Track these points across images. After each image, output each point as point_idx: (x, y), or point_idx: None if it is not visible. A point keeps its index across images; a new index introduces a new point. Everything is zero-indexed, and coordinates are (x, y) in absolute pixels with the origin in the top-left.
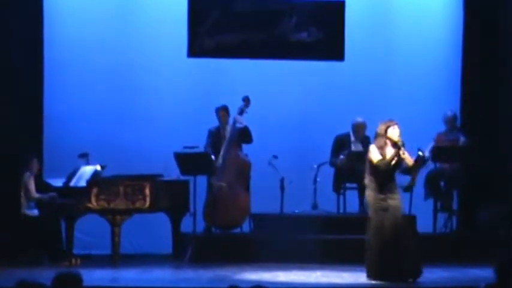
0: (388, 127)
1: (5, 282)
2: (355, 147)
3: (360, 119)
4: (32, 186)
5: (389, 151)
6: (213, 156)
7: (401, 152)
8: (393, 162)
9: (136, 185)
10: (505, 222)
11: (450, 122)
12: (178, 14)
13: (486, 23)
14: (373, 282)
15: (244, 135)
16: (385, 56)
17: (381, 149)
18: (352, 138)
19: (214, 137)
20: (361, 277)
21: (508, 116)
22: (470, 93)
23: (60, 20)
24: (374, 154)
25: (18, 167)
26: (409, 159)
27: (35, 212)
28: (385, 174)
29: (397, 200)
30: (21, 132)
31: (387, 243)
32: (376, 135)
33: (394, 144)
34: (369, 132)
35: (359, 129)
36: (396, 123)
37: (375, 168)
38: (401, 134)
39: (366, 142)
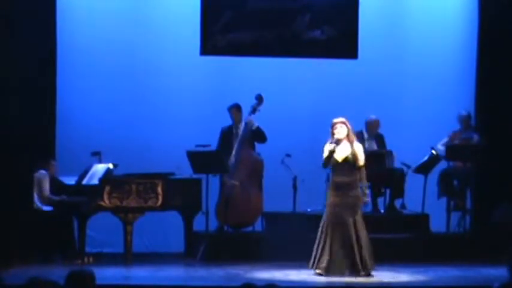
0: (333, 125)
1: (18, 279)
2: (369, 144)
3: (373, 116)
4: (46, 185)
5: (344, 145)
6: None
7: (331, 149)
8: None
9: (148, 184)
10: None
11: (464, 121)
12: (191, 12)
13: (501, 22)
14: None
15: (257, 136)
16: (398, 54)
17: (330, 144)
18: (366, 136)
19: (227, 136)
20: (373, 276)
21: None
22: (485, 92)
23: (73, 20)
24: (324, 152)
25: (31, 165)
26: (336, 159)
27: (48, 208)
28: (336, 171)
29: (348, 198)
30: (35, 131)
31: (326, 237)
32: None
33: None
34: (381, 130)
35: (372, 126)
36: (339, 123)
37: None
38: (343, 133)
39: (379, 139)
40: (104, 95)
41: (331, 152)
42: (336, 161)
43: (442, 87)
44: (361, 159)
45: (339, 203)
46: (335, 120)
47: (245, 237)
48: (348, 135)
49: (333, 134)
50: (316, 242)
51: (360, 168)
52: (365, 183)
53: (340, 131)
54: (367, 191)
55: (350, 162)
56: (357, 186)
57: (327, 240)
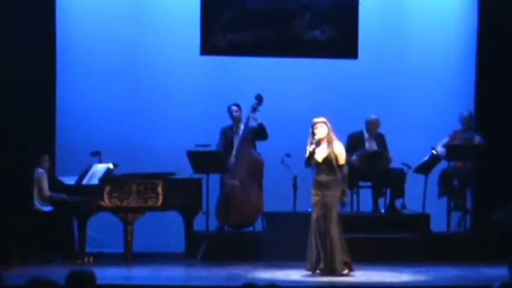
0: (313, 125)
1: (18, 280)
2: (369, 144)
3: (373, 116)
4: (45, 184)
5: (324, 145)
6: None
7: (310, 149)
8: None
9: (148, 183)
10: None
11: (466, 121)
12: (191, 12)
13: (501, 22)
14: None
15: (259, 133)
16: (398, 54)
17: (310, 144)
18: (366, 136)
19: (227, 135)
20: (374, 276)
21: None
22: (485, 92)
23: (73, 19)
24: (306, 153)
25: (30, 164)
26: (316, 159)
27: (48, 208)
28: (318, 171)
29: (325, 197)
30: (35, 130)
31: (315, 237)
32: None
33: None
34: (382, 130)
35: (372, 126)
36: (320, 122)
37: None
38: (323, 132)
39: (379, 139)
40: (103, 95)
41: (311, 153)
42: (317, 161)
43: (442, 87)
44: (342, 159)
45: (318, 202)
46: (315, 120)
47: (245, 237)
48: (328, 135)
49: (313, 133)
50: (309, 245)
51: (341, 167)
52: (346, 181)
53: (321, 131)
54: (347, 191)
55: (331, 162)
56: (336, 185)
57: (316, 242)
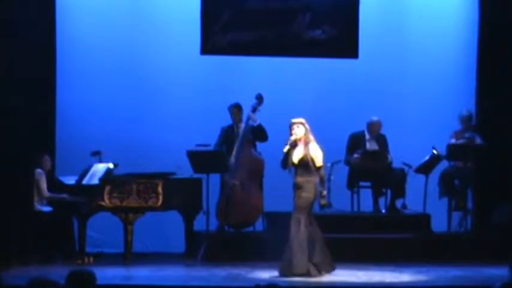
0: (290, 125)
1: (18, 280)
2: (370, 145)
3: (375, 118)
4: (43, 184)
5: (301, 147)
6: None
7: (285, 150)
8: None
9: (149, 183)
10: None
11: (465, 121)
12: (191, 12)
13: (502, 20)
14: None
15: (258, 134)
16: (399, 54)
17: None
18: (367, 137)
19: (227, 135)
20: (375, 276)
21: None
22: (485, 92)
23: (73, 18)
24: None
25: (30, 164)
26: (292, 160)
27: (48, 209)
28: (296, 172)
29: (299, 198)
30: (34, 130)
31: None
32: None
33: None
34: (383, 131)
35: (374, 127)
36: (297, 123)
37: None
38: (299, 133)
39: (381, 140)
40: (104, 95)
41: (286, 154)
42: (293, 163)
43: (442, 86)
44: (318, 161)
45: (294, 204)
46: (293, 120)
47: (246, 237)
48: (305, 136)
49: (291, 134)
50: None
51: (319, 169)
52: (324, 184)
53: (297, 132)
54: (325, 193)
55: (308, 163)
56: (312, 187)
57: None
